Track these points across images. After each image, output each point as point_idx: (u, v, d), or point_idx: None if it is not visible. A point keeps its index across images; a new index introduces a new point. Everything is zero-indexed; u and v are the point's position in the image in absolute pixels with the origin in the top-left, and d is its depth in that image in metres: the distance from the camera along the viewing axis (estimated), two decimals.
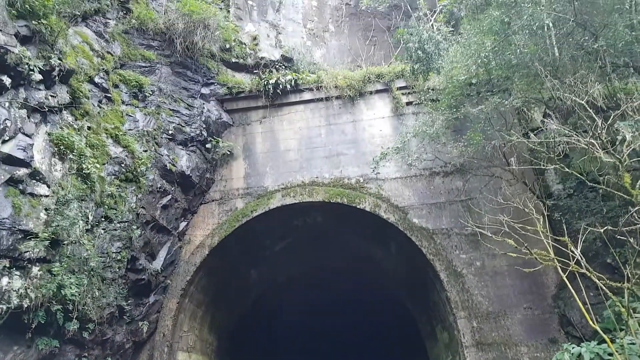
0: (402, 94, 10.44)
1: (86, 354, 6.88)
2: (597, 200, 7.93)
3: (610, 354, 5.76)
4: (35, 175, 6.26)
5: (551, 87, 6.65)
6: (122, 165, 7.82)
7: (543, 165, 6.73)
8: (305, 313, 15.29)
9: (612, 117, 5.94)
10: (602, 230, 5.37)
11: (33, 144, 6.29)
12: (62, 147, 6.72)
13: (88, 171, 6.98)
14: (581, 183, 8.37)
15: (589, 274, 5.08)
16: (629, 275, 4.50)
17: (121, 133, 8.07)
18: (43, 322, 5.99)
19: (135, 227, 7.80)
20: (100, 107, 8.01)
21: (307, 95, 10.72)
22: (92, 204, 7.04)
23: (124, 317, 7.78)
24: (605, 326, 6.19)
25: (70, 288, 6.21)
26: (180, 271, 9.25)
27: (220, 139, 10.19)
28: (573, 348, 6.21)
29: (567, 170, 6.41)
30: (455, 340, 8.46)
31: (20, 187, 6.04)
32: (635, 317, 5.39)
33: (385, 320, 14.78)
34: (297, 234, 10.73)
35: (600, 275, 5.14)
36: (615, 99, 6.96)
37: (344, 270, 12.43)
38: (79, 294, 6.36)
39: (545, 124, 7.73)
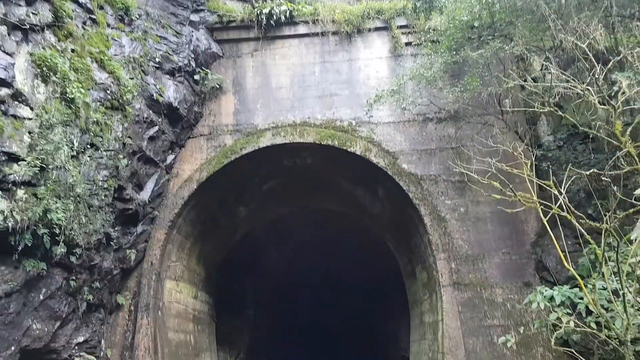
0: (402, 33, 10.05)
1: (74, 278, 7.00)
2: (585, 153, 7.99)
3: (581, 298, 6.04)
4: (18, 96, 6.01)
5: (554, 28, 6.43)
6: (108, 91, 7.54)
7: (537, 108, 6.65)
8: (292, 252, 15.74)
9: (611, 62, 5.81)
10: (587, 174, 5.42)
11: (14, 63, 5.98)
12: (44, 68, 6.41)
13: (72, 96, 6.73)
14: (572, 135, 8.41)
15: (569, 217, 5.19)
16: (609, 220, 4.61)
17: (106, 58, 7.71)
18: (30, 245, 6.00)
19: (121, 156, 7.68)
20: (84, 29, 7.59)
21: (302, 29, 10.25)
22: (77, 130, 6.86)
23: (111, 244, 7.87)
24: (579, 273, 6.42)
25: (57, 212, 6.19)
26: (168, 203, 9.29)
27: (209, 71, 9.82)
28: (546, 291, 6.49)
29: (560, 114, 6.35)
30: (434, 280, 8.81)
31: (2, 108, 5.83)
32: (610, 265, 5.59)
33: (369, 261, 15.31)
34: (287, 174, 10.73)
35: (580, 215, 5.26)
36: (617, 50, 6.81)
37: (331, 212, 12.62)
38: (66, 219, 6.35)
39: (543, 67, 7.57)
